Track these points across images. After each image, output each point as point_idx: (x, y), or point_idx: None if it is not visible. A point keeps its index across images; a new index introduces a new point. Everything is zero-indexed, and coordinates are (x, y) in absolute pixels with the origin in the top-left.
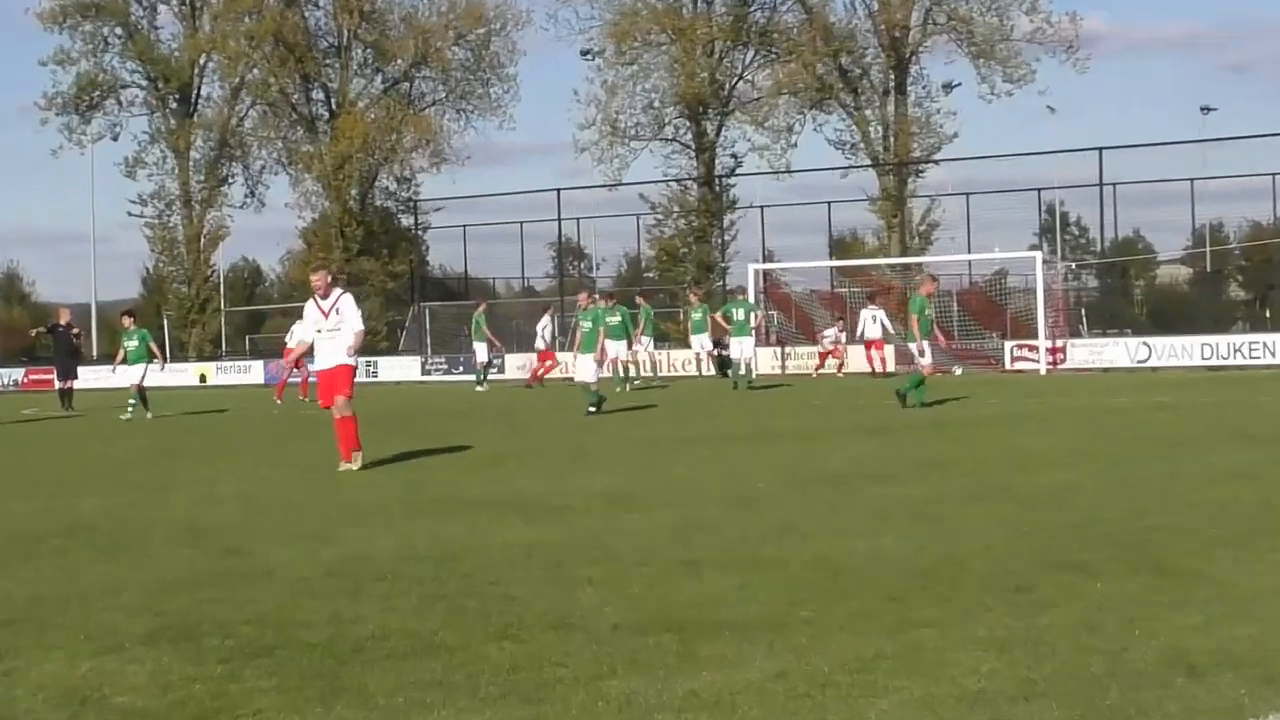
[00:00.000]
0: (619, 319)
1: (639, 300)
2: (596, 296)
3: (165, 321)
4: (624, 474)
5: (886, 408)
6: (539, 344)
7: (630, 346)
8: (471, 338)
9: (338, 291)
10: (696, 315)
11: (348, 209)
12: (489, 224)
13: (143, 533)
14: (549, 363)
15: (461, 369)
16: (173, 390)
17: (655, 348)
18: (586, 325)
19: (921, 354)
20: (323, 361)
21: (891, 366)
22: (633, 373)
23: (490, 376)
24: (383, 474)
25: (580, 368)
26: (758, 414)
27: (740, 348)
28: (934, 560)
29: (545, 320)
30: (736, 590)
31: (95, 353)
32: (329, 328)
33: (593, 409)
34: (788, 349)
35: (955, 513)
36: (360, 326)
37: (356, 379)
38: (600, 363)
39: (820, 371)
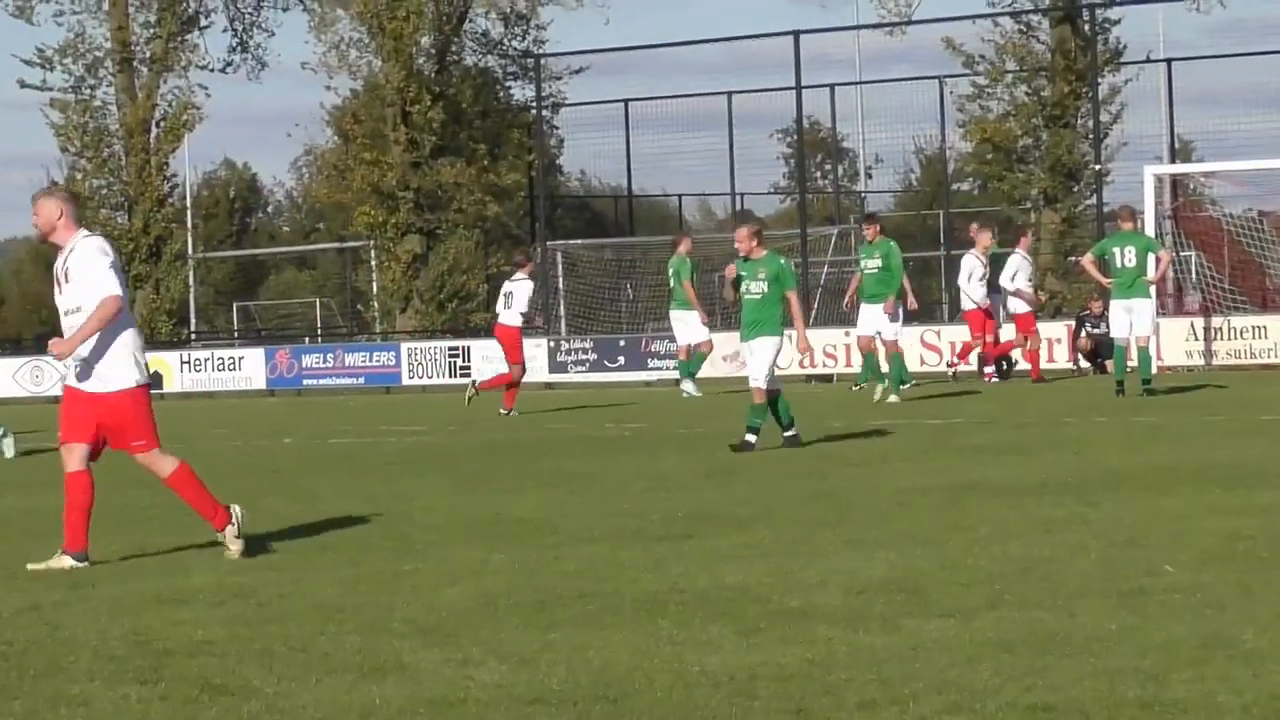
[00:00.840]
0: (880, 263)
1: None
2: (756, 234)
3: None
4: (912, 549)
5: None
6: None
7: (899, 311)
8: (671, 300)
9: (77, 237)
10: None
11: (415, 73)
12: (671, 99)
13: (57, 658)
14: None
15: (622, 360)
16: None
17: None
18: (756, 289)
19: None
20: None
21: None
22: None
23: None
24: (477, 550)
25: (752, 361)
26: (1159, 440)
27: (1130, 317)
28: None
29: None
30: None
31: None
32: (66, 307)
33: (751, 437)
34: (1215, 321)
35: None
36: (111, 290)
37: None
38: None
39: None
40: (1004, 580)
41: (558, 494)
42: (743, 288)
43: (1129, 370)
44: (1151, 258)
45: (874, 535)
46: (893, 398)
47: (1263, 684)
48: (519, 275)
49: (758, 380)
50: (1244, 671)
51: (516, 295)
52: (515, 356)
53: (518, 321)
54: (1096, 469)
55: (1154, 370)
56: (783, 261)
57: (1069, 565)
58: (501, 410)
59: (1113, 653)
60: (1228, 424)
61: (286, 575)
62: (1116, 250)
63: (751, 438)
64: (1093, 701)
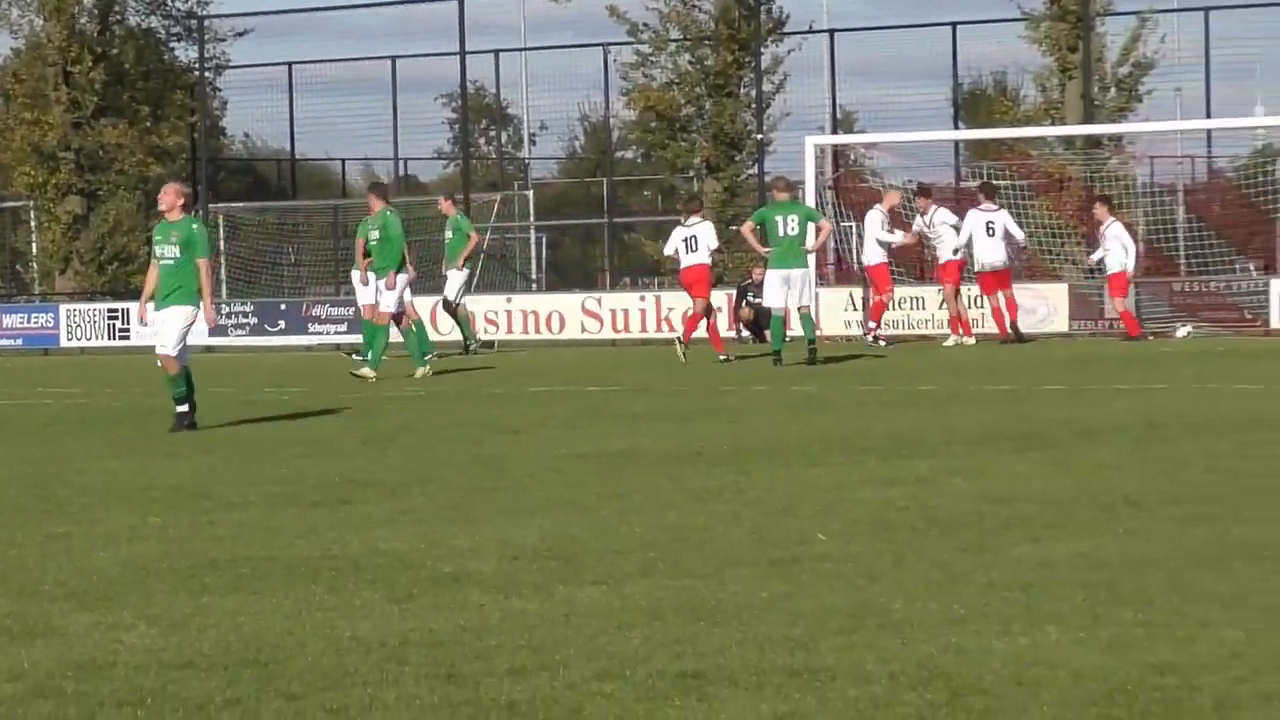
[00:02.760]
0: (379, 234)
1: (445, 206)
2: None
3: None
4: (566, 516)
5: (1045, 398)
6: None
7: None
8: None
9: None
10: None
11: (77, 32)
12: (335, 62)
13: None
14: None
15: (283, 324)
16: None
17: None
18: (170, 255)
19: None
20: None
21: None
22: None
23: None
24: (131, 515)
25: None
26: (815, 409)
27: (787, 288)
28: (1142, 672)
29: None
30: None
31: None
32: None
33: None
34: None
35: (1170, 589)
36: None
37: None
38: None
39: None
40: (657, 548)
41: (212, 459)
42: (157, 252)
43: (787, 340)
44: (812, 227)
45: (529, 502)
46: (421, 370)
47: (910, 652)
48: (693, 219)
49: (166, 349)
50: (893, 640)
51: (701, 237)
52: (703, 292)
53: (708, 259)
54: (752, 438)
55: (815, 335)
56: (195, 227)
57: (722, 534)
58: (720, 358)
59: (763, 620)
60: (884, 394)
61: None
62: (778, 219)
63: (183, 409)
64: (741, 669)
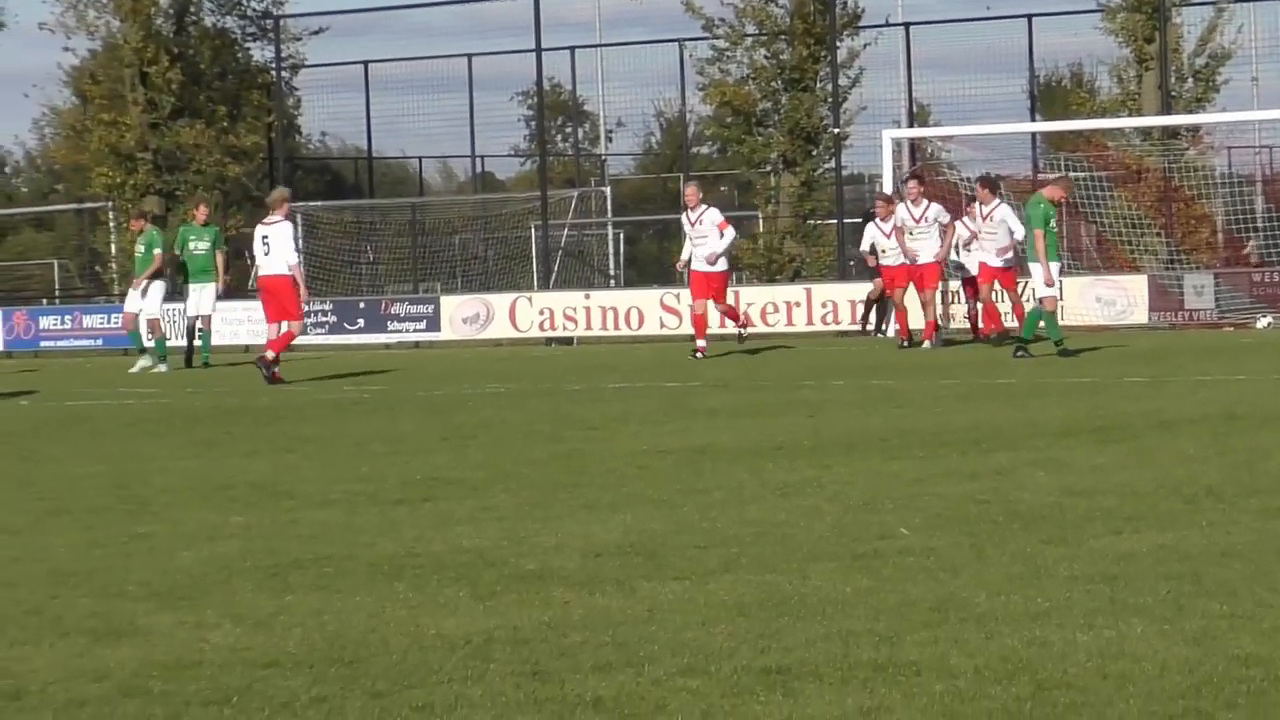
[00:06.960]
0: (143, 249)
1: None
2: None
3: None
4: (648, 512)
5: (1125, 390)
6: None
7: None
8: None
9: None
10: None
11: (153, 33)
12: (411, 60)
13: None
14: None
15: (362, 323)
16: None
17: None
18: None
19: None
20: None
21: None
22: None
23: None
24: (213, 514)
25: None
26: (894, 403)
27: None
28: (1227, 664)
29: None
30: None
31: None
32: None
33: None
34: (952, 285)
35: (1254, 580)
36: None
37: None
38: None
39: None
40: (739, 543)
41: (294, 458)
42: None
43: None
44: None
45: (610, 498)
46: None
47: (994, 646)
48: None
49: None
50: (976, 634)
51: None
52: (930, 282)
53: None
54: (831, 432)
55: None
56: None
57: (804, 528)
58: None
59: (847, 615)
60: (962, 388)
61: (19, 539)
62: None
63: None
64: (826, 663)
